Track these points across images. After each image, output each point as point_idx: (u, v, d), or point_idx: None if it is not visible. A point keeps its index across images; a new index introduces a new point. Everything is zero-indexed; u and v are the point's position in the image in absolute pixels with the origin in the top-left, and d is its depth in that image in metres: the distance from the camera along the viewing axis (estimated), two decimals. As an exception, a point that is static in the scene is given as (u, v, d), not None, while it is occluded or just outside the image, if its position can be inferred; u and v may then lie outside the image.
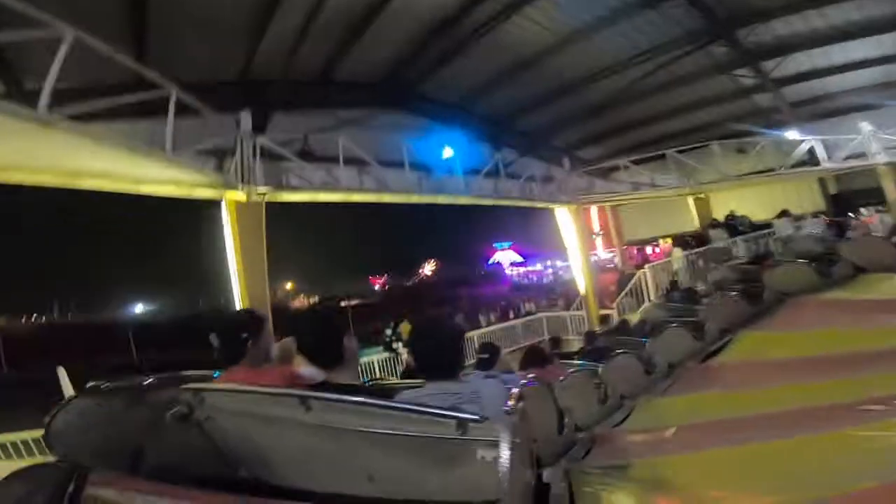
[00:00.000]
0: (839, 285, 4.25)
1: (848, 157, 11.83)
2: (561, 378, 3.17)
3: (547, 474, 1.48)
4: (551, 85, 11.79)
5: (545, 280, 33.27)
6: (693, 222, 14.58)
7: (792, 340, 3.51)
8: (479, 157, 11.39)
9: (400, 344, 10.68)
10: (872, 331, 3.06)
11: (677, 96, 12.71)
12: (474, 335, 11.98)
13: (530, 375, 2.62)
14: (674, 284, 11.06)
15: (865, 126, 11.75)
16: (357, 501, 1.19)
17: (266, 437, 1.35)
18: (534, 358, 4.11)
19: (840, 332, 3.24)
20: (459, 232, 43.09)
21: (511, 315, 16.77)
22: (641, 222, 17.56)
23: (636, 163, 13.01)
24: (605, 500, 1.62)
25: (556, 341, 8.87)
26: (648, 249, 19.69)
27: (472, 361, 3.94)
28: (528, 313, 16.42)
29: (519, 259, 48.83)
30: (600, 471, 1.94)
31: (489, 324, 15.67)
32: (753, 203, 13.86)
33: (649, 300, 11.66)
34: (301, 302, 38.26)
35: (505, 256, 50.42)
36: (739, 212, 13.30)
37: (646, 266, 12.42)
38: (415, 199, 10.31)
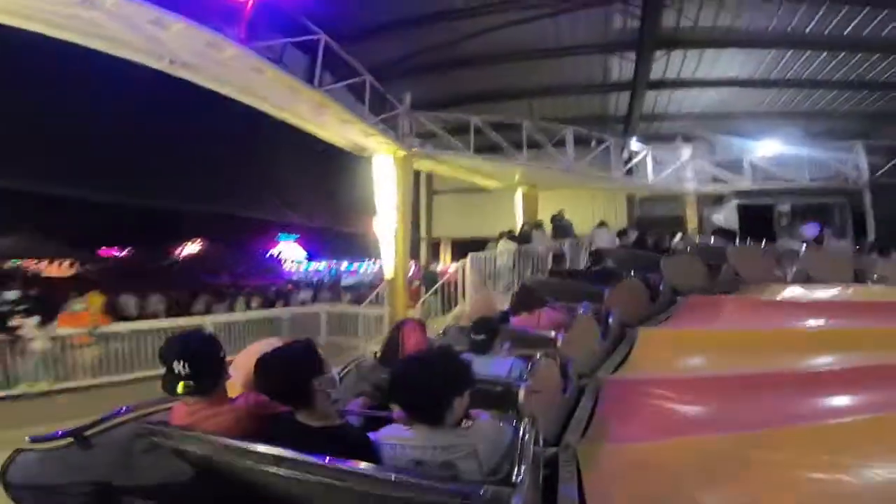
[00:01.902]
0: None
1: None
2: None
3: (554, 454, 1.50)
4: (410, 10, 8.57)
5: (337, 278, 29.40)
6: (517, 222, 12.92)
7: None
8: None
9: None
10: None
11: (549, 69, 10.82)
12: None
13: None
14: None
15: (686, 151, 11.95)
16: None
17: (238, 477, 1.34)
18: (525, 300, 3.56)
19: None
20: (241, 221, 35.18)
21: (280, 305, 12.24)
22: (458, 218, 15.35)
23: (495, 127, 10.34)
24: (608, 480, 1.54)
25: (558, 259, 8.27)
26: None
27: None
28: (302, 303, 12.34)
29: (303, 254, 44.26)
30: (612, 452, 1.75)
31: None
32: (573, 209, 13.03)
33: (463, 299, 9.01)
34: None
35: (289, 249, 44.92)
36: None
37: (468, 256, 9.83)
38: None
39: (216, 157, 19.54)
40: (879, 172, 10.60)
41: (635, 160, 11.81)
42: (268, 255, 43.85)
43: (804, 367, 2.41)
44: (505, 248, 9.88)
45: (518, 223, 12.10)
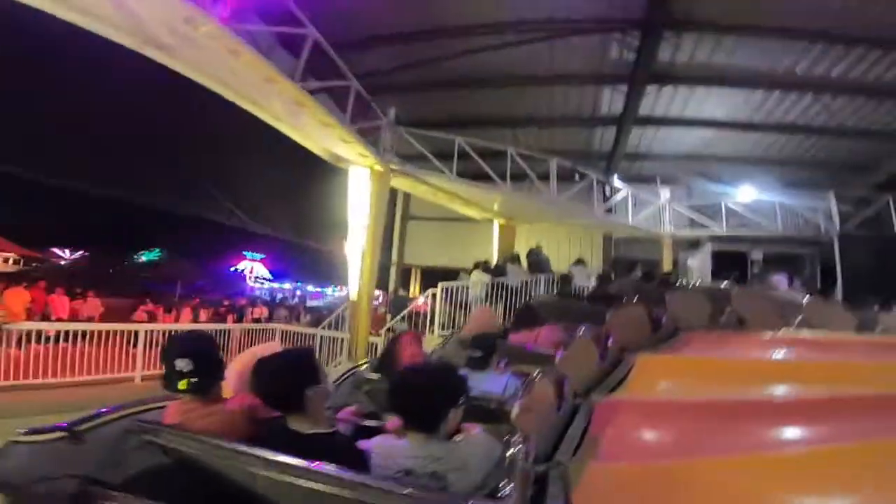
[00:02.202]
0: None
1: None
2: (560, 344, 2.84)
3: (544, 471, 1.38)
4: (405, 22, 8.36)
5: (302, 299, 28.30)
6: (492, 255, 12.55)
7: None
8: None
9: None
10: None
11: (539, 96, 10.73)
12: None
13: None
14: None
15: (665, 193, 11.99)
16: None
17: (227, 481, 1.36)
18: (525, 318, 3.75)
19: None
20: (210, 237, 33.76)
21: (232, 320, 11.34)
22: (431, 246, 14.90)
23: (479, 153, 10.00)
24: (596, 499, 1.53)
25: (565, 280, 8.50)
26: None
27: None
28: (256, 320, 11.49)
29: (267, 275, 43.15)
30: (603, 471, 1.74)
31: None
32: (550, 245, 12.78)
33: (430, 330, 8.49)
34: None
35: (253, 266, 43.63)
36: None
37: (439, 285, 9.32)
38: None
39: (171, 152, 18.48)
40: (848, 223, 10.81)
41: (616, 198, 11.76)
42: (232, 269, 42.33)
43: (798, 395, 2.39)
44: (478, 280, 9.45)
45: (493, 255, 11.78)
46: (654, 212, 12.05)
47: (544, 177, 10.50)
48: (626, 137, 11.41)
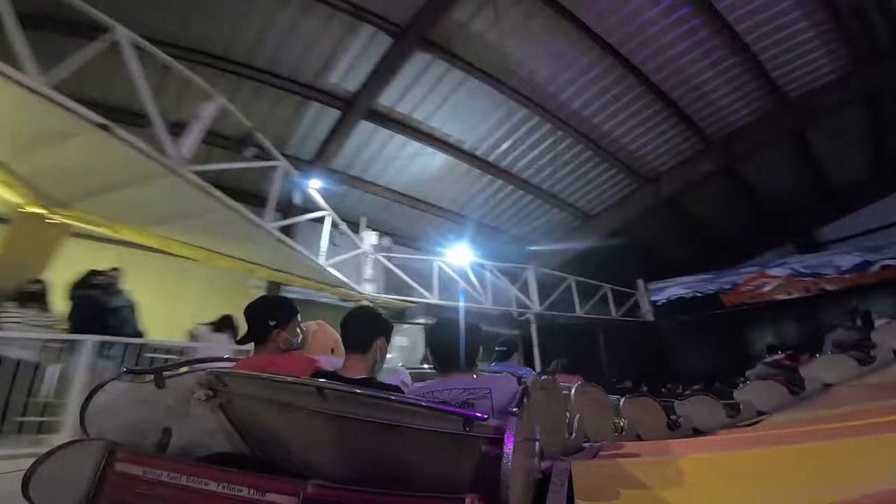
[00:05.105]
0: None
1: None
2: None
3: (549, 468, 1.49)
4: None
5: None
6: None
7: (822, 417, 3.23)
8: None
9: None
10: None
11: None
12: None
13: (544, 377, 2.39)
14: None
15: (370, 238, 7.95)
16: (365, 485, 1.16)
17: (281, 422, 1.43)
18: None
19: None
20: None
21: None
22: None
23: None
24: (603, 494, 1.63)
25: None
26: None
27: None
28: None
29: None
30: (603, 467, 2.01)
31: None
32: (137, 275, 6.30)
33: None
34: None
35: None
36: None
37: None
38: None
39: None
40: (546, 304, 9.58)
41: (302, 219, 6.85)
42: None
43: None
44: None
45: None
46: (351, 261, 7.72)
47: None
48: (348, 131, 7.39)
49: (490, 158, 9.65)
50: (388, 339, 1.76)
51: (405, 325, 8.35)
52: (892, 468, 1.76)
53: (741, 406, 3.82)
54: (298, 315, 2.02)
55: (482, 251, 9.54)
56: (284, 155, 5.90)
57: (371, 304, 7.44)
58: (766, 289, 11.15)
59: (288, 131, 8.06)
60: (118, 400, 1.45)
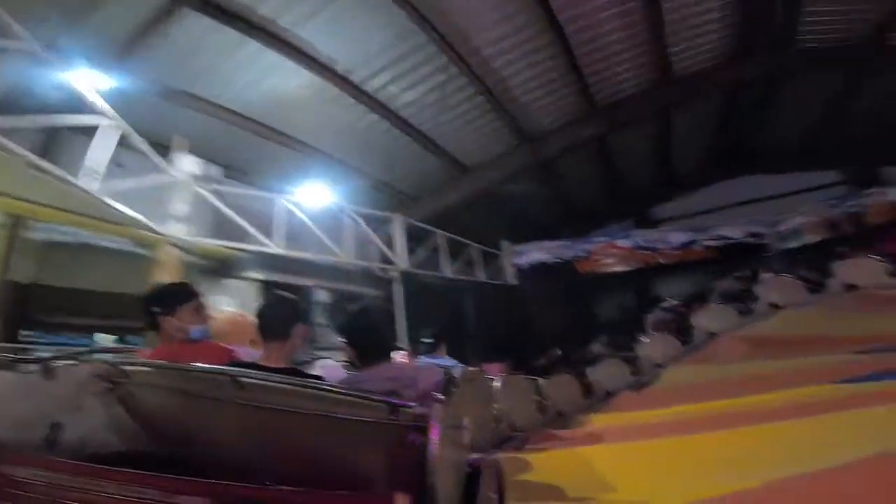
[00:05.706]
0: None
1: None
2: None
3: (478, 460, 1.49)
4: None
5: None
6: None
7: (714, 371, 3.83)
8: None
9: None
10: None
11: None
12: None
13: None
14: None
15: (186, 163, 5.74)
16: (287, 480, 1.11)
17: (192, 416, 1.32)
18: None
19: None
20: None
21: None
22: None
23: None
24: (533, 487, 1.68)
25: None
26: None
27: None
28: None
29: None
30: (531, 459, 2.04)
31: None
32: None
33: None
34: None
35: None
36: None
37: None
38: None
39: None
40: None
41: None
42: None
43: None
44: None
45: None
46: (154, 193, 5.57)
47: None
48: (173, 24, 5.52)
49: (367, 88, 7.87)
50: (305, 325, 1.79)
51: (234, 281, 6.49)
52: (790, 456, 1.91)
53: (640, 362, 4.33)
54: (196, 300, 1.95)
55: (342, 196, 7.98)
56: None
57: (180, 248, 5.53)
58: (611, 259, 11.76)
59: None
60: (6, 391, 1.28)
